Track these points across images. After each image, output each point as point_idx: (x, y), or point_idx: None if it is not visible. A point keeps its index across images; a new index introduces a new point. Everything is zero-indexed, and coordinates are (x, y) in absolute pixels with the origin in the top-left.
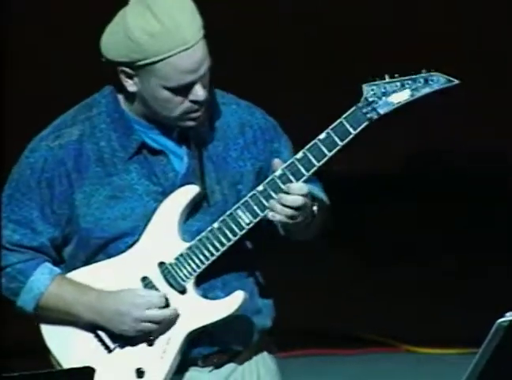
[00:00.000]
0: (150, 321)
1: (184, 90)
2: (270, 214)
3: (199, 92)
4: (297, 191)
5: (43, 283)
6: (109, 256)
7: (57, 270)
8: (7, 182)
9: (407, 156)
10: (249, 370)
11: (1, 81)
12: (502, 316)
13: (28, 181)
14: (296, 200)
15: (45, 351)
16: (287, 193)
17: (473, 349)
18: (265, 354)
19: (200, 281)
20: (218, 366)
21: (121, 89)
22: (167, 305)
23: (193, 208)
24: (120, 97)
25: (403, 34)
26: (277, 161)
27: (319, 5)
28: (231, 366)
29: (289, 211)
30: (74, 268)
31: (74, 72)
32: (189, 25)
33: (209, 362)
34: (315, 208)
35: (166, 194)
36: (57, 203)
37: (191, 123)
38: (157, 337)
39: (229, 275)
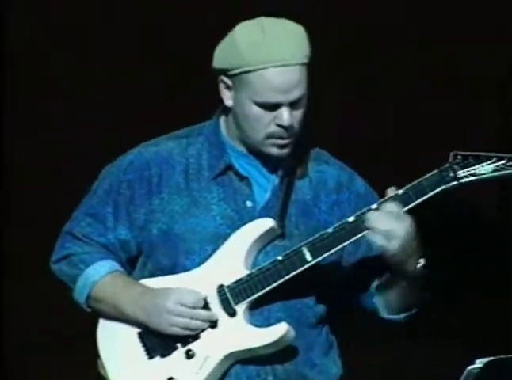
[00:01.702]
0: (182, 316)
1: (270, 109)
2: (367, 229)
3: (284, 116)
4: (389, 209)
5: (99, 273)
6: (175, 273)
7: (118, 267)
8: (97, 179)
9: None
10: None
11: (1, 82)
12: (473, 363)
13: (111, 180)
14: (390, 212)
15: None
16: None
17: None
18: None
19: (262, 320)
20: None
21: (222, 108)
22: (214, 324)
23: (269, 243)
24: (222, 121)
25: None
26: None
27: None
28: None
29: (385, 223)
30: (141, 278)
31: (74, 72)
32: (291, 46)
33: None
34: (421, 260)
35: (240, 222)
36: (134, 207)
37: (276, 151)
38: (197, 352)
39: (288, 318)
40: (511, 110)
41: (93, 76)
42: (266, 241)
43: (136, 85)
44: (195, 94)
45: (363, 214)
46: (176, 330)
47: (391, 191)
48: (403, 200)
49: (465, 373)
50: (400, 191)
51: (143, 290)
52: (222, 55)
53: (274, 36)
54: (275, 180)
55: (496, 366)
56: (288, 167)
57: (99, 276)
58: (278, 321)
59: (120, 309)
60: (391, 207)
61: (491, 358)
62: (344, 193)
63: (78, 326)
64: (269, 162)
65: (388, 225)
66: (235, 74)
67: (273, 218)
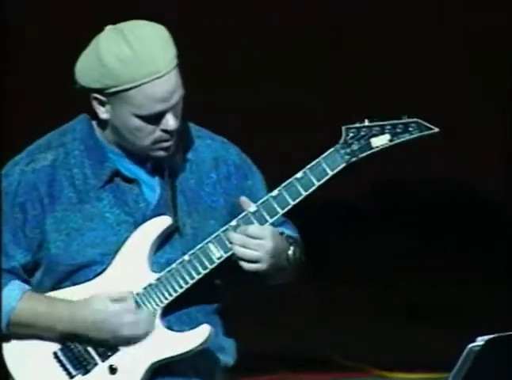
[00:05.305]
0: (129, 326)
1: (155, 119)
2: (241, 263)
3: (170, 121)
4: (251, 232)
5: (14, 298)
6: (76, 284)
7: (26, 286)
8: None
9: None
10: None
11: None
12: (474, 340)
13: (4, 206)
14: (261, 244)
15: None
16: (251, 237)
17: (443, 374)
18: None
19: (166, 314)
20: None
21: (95, 116)
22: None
23: (164, 239)
24: (95, 125)
25: None
26: (242, 199)
27: None
28: None
29: (249, 250)
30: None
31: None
32: (162, 54)
33: None
34: (290, 252)
35: (136, 224)
36: (29, 228)
37: (162, 153)
38: (119, 366)
39: (197, 311)
40: None
41: None
42: (163, 237)
43: None
44: None
45: (265, 202)
46: (126, 330)
47: (244, 202)
48: (302, 184)
49: (466, 350)
50: (299, 175)
51: (68, 305)
52: (90, 74)
53: (144, 49)
54: (160, 176)
55: (497, 344)
56: (166, 158)
57: (15, 301)
58: (190, 317)
59: (48, 328)
60: (253, 230)
61: (493, 335)
62: (222, 168)
63: None
64: (151, 160)
65: (251, 252)
66: (111, 93)
67: (167, 214)
